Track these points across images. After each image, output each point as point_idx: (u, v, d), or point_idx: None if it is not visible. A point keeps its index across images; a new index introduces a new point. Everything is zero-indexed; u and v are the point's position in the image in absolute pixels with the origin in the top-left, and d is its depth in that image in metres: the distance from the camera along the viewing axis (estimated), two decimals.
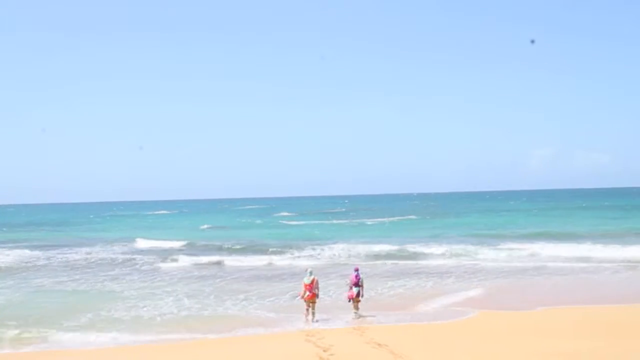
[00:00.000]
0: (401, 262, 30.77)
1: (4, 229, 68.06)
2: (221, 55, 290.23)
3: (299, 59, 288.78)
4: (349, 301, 17.67)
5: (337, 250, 36.02)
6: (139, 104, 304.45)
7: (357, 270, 17.94)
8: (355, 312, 17.46)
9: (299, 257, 34.11)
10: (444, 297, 20.72)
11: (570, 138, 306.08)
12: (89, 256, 37.18)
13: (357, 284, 17.49)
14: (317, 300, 17.13)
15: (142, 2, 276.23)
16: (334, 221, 69.94)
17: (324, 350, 13.24)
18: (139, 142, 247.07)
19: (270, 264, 31.46)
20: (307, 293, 16.99)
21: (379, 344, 13.60)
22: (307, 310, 17.02)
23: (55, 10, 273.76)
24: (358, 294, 17.45)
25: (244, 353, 13.91)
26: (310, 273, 17.52)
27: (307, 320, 16.91)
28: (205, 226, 66.17)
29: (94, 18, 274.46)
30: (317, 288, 17.15)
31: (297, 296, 18.26)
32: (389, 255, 33.22)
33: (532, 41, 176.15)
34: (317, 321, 16.82)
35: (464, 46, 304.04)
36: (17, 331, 16.18)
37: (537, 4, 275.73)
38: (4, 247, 42.69)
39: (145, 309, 19.42)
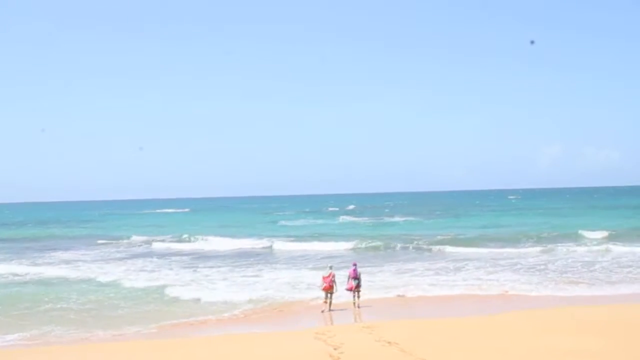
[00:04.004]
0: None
1: None
2: (221, 53, 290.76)
3: (300, 57, 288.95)
4: (349, 291, 19.61)
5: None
6: (139, 101, 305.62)
7: (355, 265, 20.18)
8: (354, 302, 19.49)
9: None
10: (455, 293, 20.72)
11: (579, 135, 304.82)
12: None
13: (356, 277, 19.65)
14: (334, 292, 19.28)
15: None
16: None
17: (334, 349, 13.22)
18: (139, 141, 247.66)
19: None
20: (324, 284, 19.20)
21: (389, 342, 13.57)
22: (326, 299, 19.22)
23: (56, 10, 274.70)
24: (358, 285, 19.61)
25: (255, 350, 13.88)
26: (330, 268, 19.94)
27: (325, 308, 19.09)
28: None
29: (94, 16, 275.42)
30: (334, 281, 19.28)
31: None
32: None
33: (532, 42, 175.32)
34: (332, 310, 18.96)
35: (469, 44, 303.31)
36: None
37: (543, 2, 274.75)
38: None
39: None
